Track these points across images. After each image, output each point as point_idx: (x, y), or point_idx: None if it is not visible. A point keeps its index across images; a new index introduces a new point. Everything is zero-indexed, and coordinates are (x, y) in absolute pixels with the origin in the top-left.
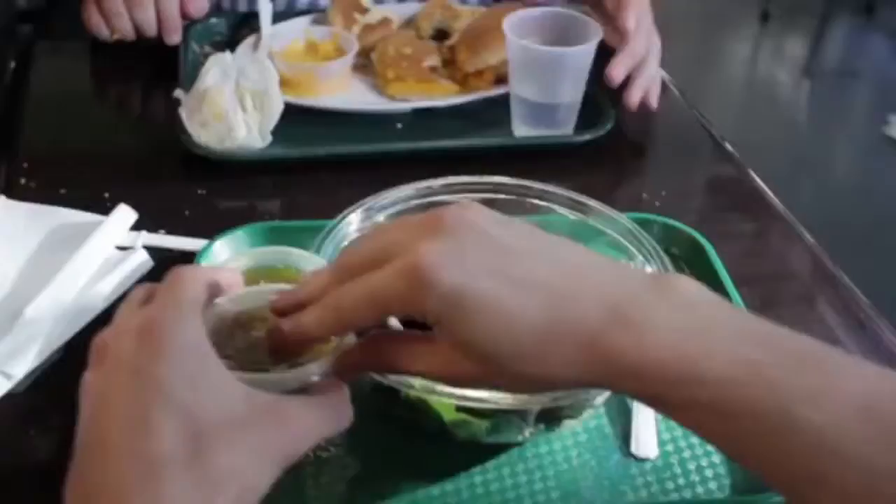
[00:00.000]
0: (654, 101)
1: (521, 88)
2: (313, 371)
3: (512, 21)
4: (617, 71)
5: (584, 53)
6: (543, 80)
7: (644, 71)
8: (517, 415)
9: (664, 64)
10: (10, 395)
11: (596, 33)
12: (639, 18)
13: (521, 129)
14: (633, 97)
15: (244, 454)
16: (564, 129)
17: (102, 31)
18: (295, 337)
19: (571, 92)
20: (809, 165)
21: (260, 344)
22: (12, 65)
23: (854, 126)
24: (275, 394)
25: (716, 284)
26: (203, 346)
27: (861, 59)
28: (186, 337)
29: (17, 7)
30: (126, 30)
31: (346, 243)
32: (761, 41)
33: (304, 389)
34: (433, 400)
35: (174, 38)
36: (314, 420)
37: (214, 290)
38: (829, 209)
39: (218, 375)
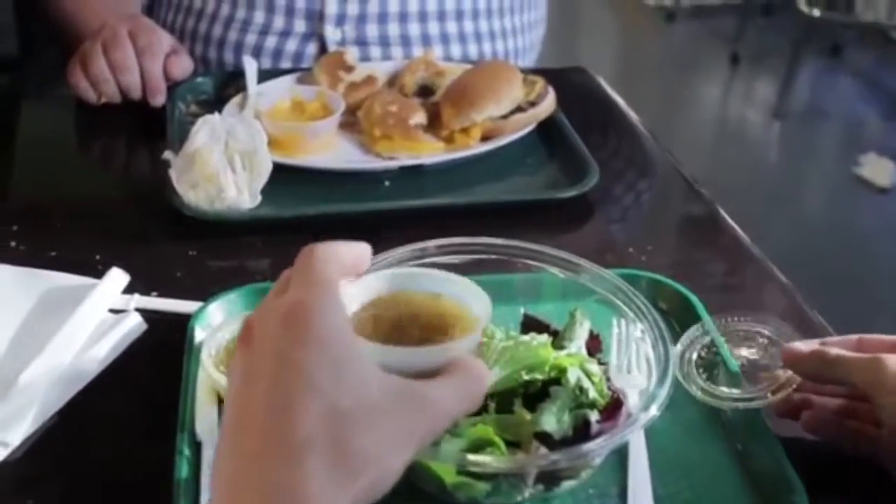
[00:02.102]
0: None
1: None
2: (464, 347)
3: None
4: None
5: None
6: None
7: None
8: (517, 477)
9: (637, 106)
10: (5, 463)
11: None
12: None
13: None
14: None
15: (383, 440)
16: None
17: (90, 96)
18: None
19: None
20: (781, 206)
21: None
22: None
23: (825, 166)
24: (413, 379)
25: (735, 313)
26: (346, 331)
27: (829, 100)
28: (330, 323)
29: None
30: (112, 94)
31: None
32: (731, 84)
33: (437, 372)
34: (434, 463)
35: (159, 99)
36: (452, 401)
37: (348, 268)
38: (802, 249)
39: (360, 361)
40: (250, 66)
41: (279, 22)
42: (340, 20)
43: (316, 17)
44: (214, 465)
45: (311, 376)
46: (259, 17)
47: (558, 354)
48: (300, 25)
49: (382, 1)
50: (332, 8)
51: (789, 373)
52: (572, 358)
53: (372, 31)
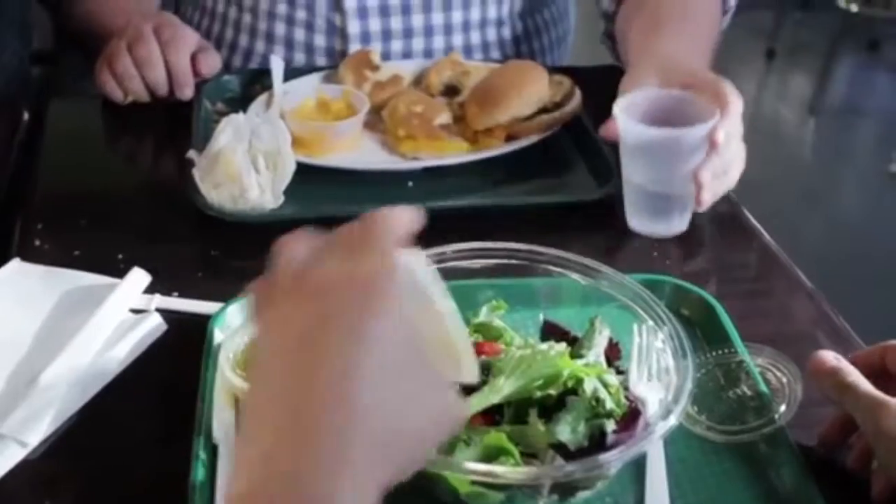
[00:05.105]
0: (706, 204)
1: (632, 174)
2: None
3: (622, 104)
4: (704, 176)
5: (698, 135)
6: (657, 164)
7: (723, 179)
8: (531, 487)
9: None
10: (24, 462)
11: (712, 113)
12: (730, 132)
13: (636, 221)
14: (706, 199)
15: (420, 434)
16: (680, 219)
17: (117, 95)
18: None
19: (686, 177)
20: (815, 203)
21: None
22: (26, 116)
23: (859, 163)
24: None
25: (726, 345)
26: (411, 319)
27: (866, 97)
28: (403, 303)
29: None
30: (139, 91)
31: None
32: (767, 79)
33: None
34: (448, 473)
35: (187, 92)
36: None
37: (403, 238)
38: (835, 247)
39: (422, 349)
40: (277, 65)
41: (301, 14)
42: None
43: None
44: (248, 411)
45: (383, 351)
46: (282, 8)
47: (576, 364)
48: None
49: None
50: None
51: (783, 408)
52: (590, 368)
53: (396, 23)
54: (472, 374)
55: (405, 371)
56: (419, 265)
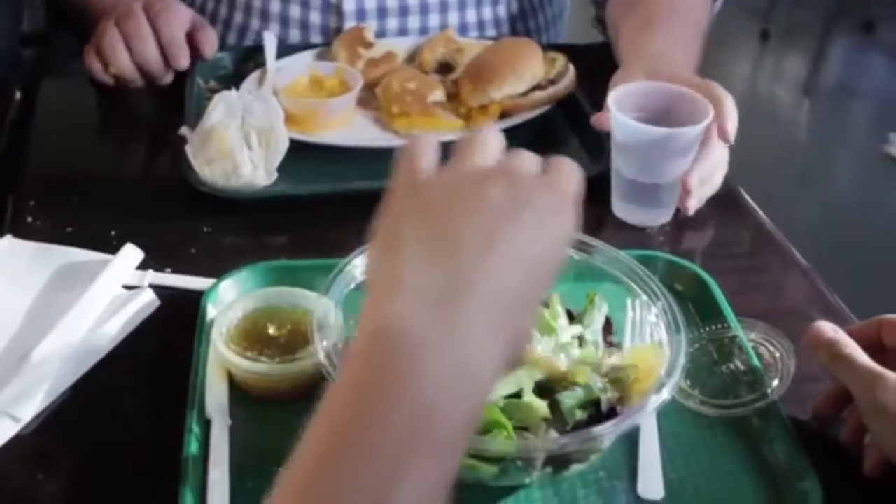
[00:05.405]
0: (692, 209)
1: (622, 166)
2: None
3: (616, 95)
4: (692, 182)
5: (693, 134)
6: (648, 159)
7: (708, 182)
8: (525, 460)
9: None
10: (17, 438)
11: (706, 112)
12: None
13: (622, 208)
14: (691, 205)
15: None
16: (667, 209)
17: (104, 78)
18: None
19: (676, 172)
20: (810, 184)
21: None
22: (18, 96)
23: (854, 144)
24: None
25: (719, 320)
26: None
27: (861, 78)
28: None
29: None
30: (126, 67)
31: (352, 286)
32: (761, 60)
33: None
34: None
35: (182, 62)
36: None
37: None
38: (830, 228)
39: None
40: (270, 42)
41: None
42: None
43: None
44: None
45: (544, 250)
46: None
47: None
48: None
49: None
50: None
51: (775, 382)
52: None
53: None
54: None
55: (542, 281)
56: None
